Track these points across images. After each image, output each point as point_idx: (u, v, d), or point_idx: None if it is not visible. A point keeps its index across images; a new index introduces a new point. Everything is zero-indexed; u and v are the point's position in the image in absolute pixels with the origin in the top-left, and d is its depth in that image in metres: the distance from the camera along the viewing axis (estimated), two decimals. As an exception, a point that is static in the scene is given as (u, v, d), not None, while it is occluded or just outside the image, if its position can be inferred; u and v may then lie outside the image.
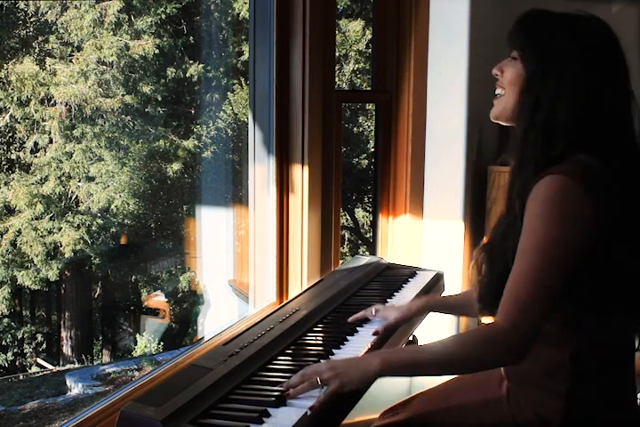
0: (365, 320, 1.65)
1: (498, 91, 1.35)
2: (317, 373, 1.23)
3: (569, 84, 1.23)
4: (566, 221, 1.18)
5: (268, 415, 1.16)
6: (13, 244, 8.51)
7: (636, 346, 1.33)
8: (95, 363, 9.78)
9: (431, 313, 1.79)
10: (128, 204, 8.77)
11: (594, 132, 1.24)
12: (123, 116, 8.67)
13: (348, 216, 9.61)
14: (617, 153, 1.25)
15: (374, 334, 1.57)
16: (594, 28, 1.27)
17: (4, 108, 8.40)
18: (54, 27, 8.50)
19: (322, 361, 1.36)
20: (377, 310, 1.65)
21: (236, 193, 7.72)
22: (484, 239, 1.37)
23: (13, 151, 8.83)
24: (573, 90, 1.23)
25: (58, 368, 9.32)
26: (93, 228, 8.81)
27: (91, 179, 8.67)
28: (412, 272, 2.09)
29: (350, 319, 1.65)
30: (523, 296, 1.18)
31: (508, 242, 1.26)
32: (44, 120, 8.44)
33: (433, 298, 1.71)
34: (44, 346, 10.44)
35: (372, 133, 8.50)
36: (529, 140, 1.25)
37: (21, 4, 8.63)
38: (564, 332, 1.27)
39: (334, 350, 1.47)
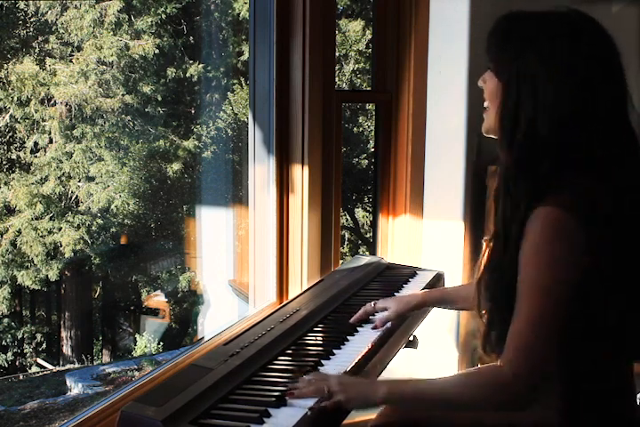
0: (365, 320, 1.66)
1: (485, 104, 1.30)
2: (326, 382, 1.24)
3: (546, 94, 1.16)
4: (564, 260, 1.13)
5: (269, 415, 1.16)
6: (13, 244, 8.51)
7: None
8: (95, 363, 9.78)
9: (431, 313, 1.79)
10: (128, 204, 8.77)
11: (584, 145, 1.18)
12: (123, 116, 8.67)
13: (348, 216, 9.61)
14: (615, 163, 1.19)
15: (373, 329, 1.59)
16: (573, 28, 1.19)
17: (4, 108, 8.41)
18: (54, 27, 8.50)
19: (325, 366, 1.38)
20: (376, 302, 1.66)
21: (236, 193, 7.72)
22: (479, 270, 1.31)
23: (13, 151, 8.84)
24: (552, 101, 1.15)
25: (58, 368, 9.33)
26: (93, 228, 8.82)
27: (91, 179, 8.68)
28: (412, 272, 2.09)
29: (352, 320, 1.65)
30: (527, 341, 1.14)
31: (504, 273, 1.21)
32: (44, 120, 8.45)
33: (433, 294, 1.69)
34: (44, 346, 10.45)
35: (372, 133, 8.50)
36: (513, 158, 1.19)
37: (21, 4, 8.63)
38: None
39: (334, 350, 1.47)
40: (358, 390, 1.23)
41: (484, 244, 1.31)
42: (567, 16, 1.21)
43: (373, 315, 1.67)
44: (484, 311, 1.30)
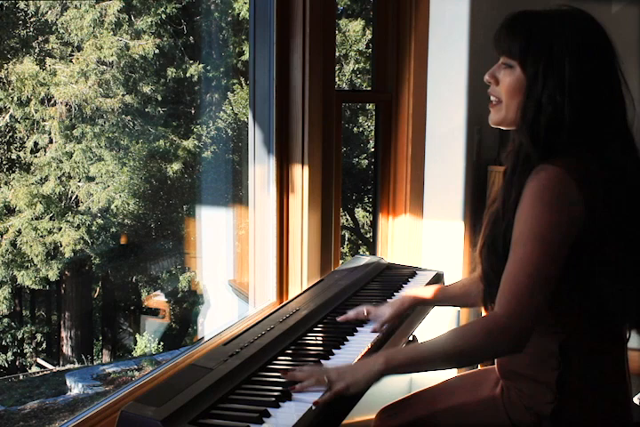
0: (366, 320, 1.65)
1: (492, 98, 1.34)
2: (324, 372, 1.25)
3: (569, 82, 1.23)
4: (559, 210, 1.19)
5: (269, 415, 1.17)
6: (13, 244, 8.51)
7: (627, 337, 1.33)
8: (95, 363, 9.79)
9: (431, 313, 1.79)
10: (128, 204, 8.77)
11: (593, 126, 1.25)
12: (123, 116, 8.67)
13: (348, 216, 9.61)
14: (613, 146, 1.26)
15: (373, 332, 1.59)
16: (581, 22, 1.27)
17: (4, 108, 8.40)
18: (54, 27, 8.50)
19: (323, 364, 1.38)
20: (369, 312, 1.65)
21: (236, 193, 7.72)
22: (480, 237, 1.37)
23: (13, 151, 8.83)
24: (574, 88, 1.23)
25: (58, 368, 9.33)
26: (93, 228, 8.82)
27: (91, 179, 8.67)
28: (412, 272, 2.09)
29: (340, 319, 1.64)
30: (519, 284, 1.18)
31: (500, 230, 1.28)
32: (44, 120, 8.45)
33: (426, 291, 1.69)
34: (44, 346, 10.45)
35: (372, 133, 8.50)
36: (532, 140, 1.26)
37: (21, 4, 8.63)
38: (554, 322, 1.27)
39: (334, 350, 1.47)
40: (357, 372, 1.25)
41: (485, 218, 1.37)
42: (568, 14, 1.28)
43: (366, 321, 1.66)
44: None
